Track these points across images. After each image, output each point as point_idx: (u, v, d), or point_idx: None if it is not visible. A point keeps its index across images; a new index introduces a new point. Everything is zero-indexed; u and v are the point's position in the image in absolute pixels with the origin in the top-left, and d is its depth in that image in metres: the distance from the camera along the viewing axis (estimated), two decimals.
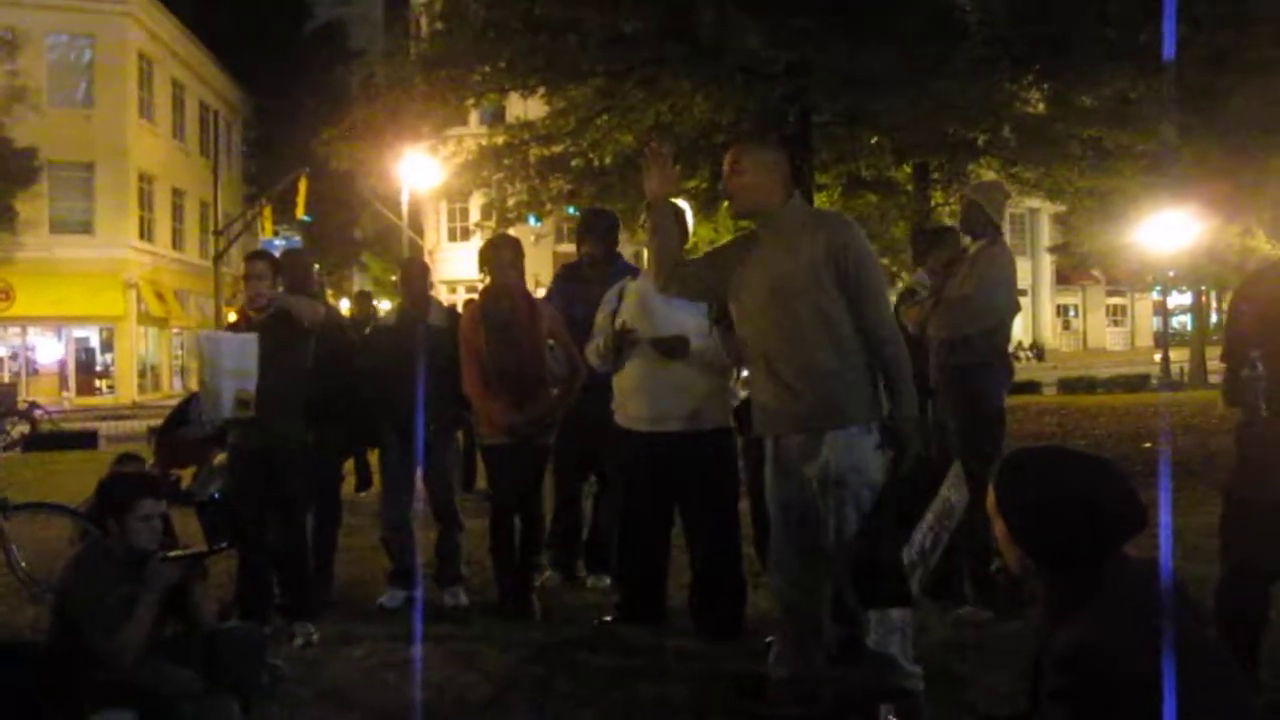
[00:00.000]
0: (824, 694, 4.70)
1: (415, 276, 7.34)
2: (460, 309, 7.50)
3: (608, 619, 6.16)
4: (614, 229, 7.32)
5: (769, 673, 4.83)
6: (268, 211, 40.86)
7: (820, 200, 16.26)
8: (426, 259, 44.21)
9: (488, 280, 6.69)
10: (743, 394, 6.19)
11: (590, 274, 7.01)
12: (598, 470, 7.25)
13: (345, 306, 47.86)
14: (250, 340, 6.14)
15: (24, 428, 21.92)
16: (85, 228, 38.09)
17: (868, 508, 4.37)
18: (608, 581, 6.98)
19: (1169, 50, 9.76)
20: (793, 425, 4.59)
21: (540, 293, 7.60)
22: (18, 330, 37.94)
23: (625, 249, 10.56)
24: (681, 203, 6.24)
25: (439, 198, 36.26)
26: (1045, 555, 2.56)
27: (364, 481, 7.52)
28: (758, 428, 4.81)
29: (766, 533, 5.71)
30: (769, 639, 5.64)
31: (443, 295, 37.15)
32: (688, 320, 5.71)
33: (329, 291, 46.26)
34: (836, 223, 4.74)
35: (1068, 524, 2.50)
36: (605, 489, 7.25)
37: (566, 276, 7.41)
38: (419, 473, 7.01)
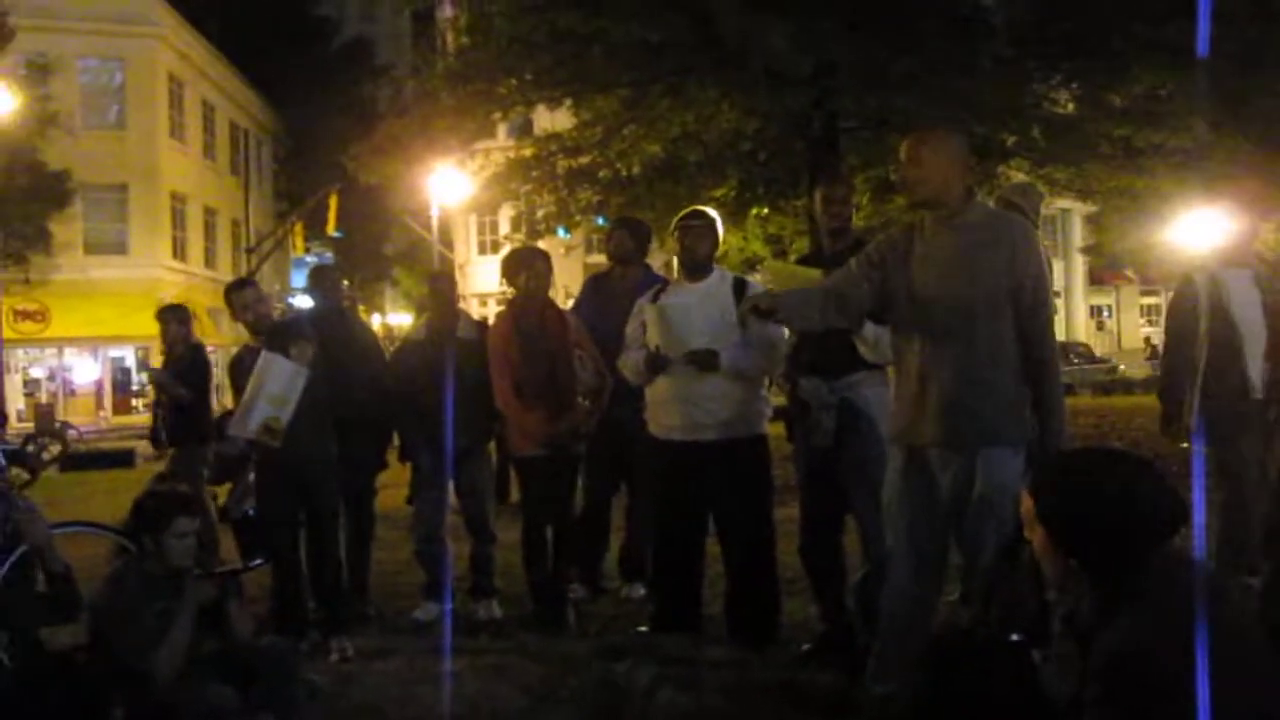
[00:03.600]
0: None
1: (443, 290, 7.35)
2: (491, 322, 7.52)
3: (642, 629, 6.14)
4: (648, 233, 7.38)
5: (866, 690, 4.63)
6: (299, 228, 41.17)
7: None
8: (457, 273, 44.39)
9: (514, 291, 6.69)
10: (775, 401, 6.18)
11: (618, 283, 7.04)
12: (627, 479, 7.25)
13: (377, 322, 48.18)
14: (301, 373, 6.15)
15: (56, 448, 22.08)
16: (119, 248, 38.38)
17: (1008, 532, 4.13)
18: (641, 591, 6.97)
19: (1203, 47, 9.66)
20: (939, 437, 4.37)
21: (568, 304, 7.61)
22: (54, 351, 38.27)
23: (655, 258, 10.60)
24: (711, 211, 6.23)
25: (468, 211, 36.26)
26: (1088, 557, 2.53)
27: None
28: (896, 435, 4.60)
29: (815, 538, 5.70)
30: (805, 646, 5.63)
31: (473, 308, 37.25)
32: (715, 332, 5.70)
33: (360, 307, 46.52)
34: (1022, 229, 4.53)
35: (1109, 522, 2.48)
36: (635, 498, 7.25)
37: (595, 288, 7.42)
38: (451, 486, 7.02)
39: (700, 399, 5.78)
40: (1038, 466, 2.69)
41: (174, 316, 8.95)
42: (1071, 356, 39.51)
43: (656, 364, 5.81)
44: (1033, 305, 4.33)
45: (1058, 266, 52.68)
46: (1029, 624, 3.18)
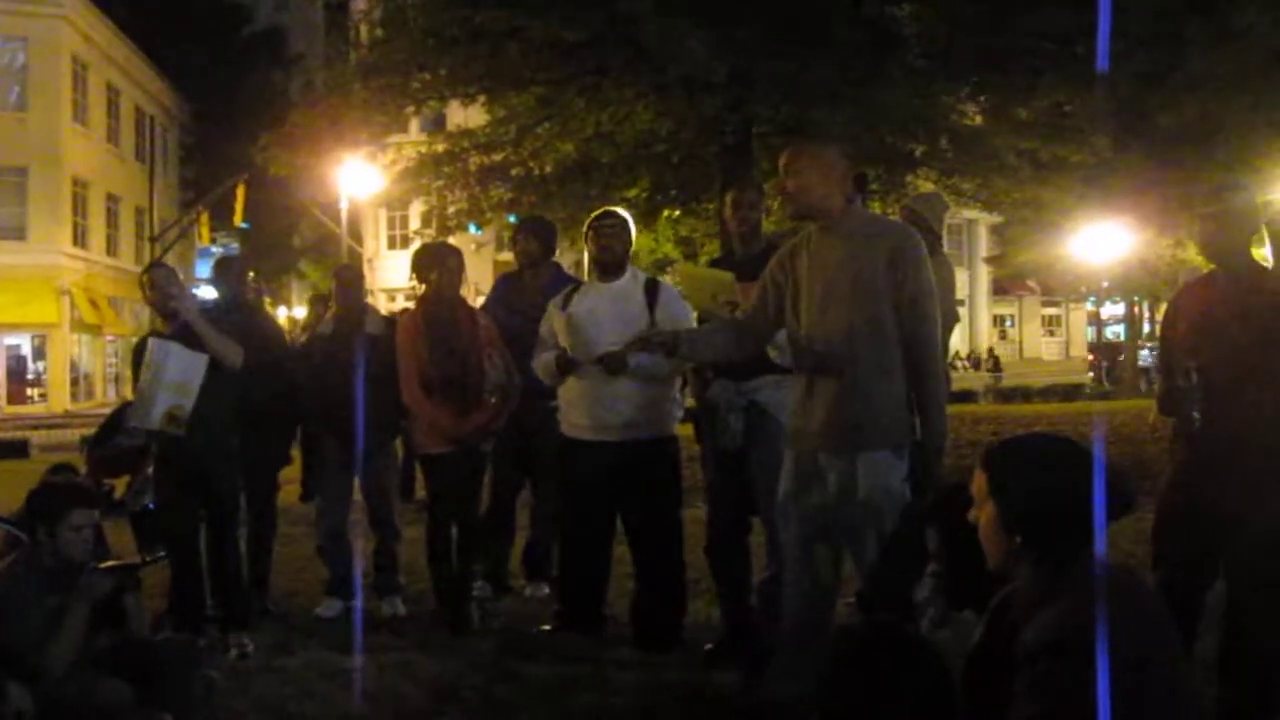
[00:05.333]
0: None
1: (350, 284, 7.28)
2: (399, 317, 7.46)
3: (546, 628, 6.15)
4: (553, 233, 7.37)
5: (765, 691, 4.68)
6: (205, 218, 40.42)
7: None
8: (365, 267, 43.93)
9: (426, 288, 6.65)
10: (689, 403, 6.22)
11: (529, 283, 7.03)
12: (532, 478, 7.24)
13: (283, 315, 47.58)
14: (200, 360, 6.04)
15: None
16: (17, 233, 37.42)
17: (889, 534, 4.23)
18: (545, 590, 6.97)
19: (1103, 62, 9.89)
20: (823, 441, 4.46)
21: (479, 302, 7.58)
22: None
23: (566, 257, 10.63)
24: (623, 212, 6.26)
25: (378, 205, 35.99)
26: (1038, 533, 2.58)
27: (310, 491, 7.50)
28: (787, 440, 4.70)
29: (721, 539, 5.74)
30: (709, 646, 5.67)
31: (381, 303, 36.95)
32: (625, 333, 5.72)
33: (266, 299, 45.85)
34: (902, 234, 4.59)
35: (1064, 498, 2.54)
36: (540, 497, 7.25)
37: (505, 287, 7.40)
38: (356, 482, 6.97)
39: (608, 400, 5.81)
40: (995, 447, 2.73)
41: None
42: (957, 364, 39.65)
43: (566, 366, 5.84)
44: (913, 311, 4.42)
45: (963, 276, 53.62)
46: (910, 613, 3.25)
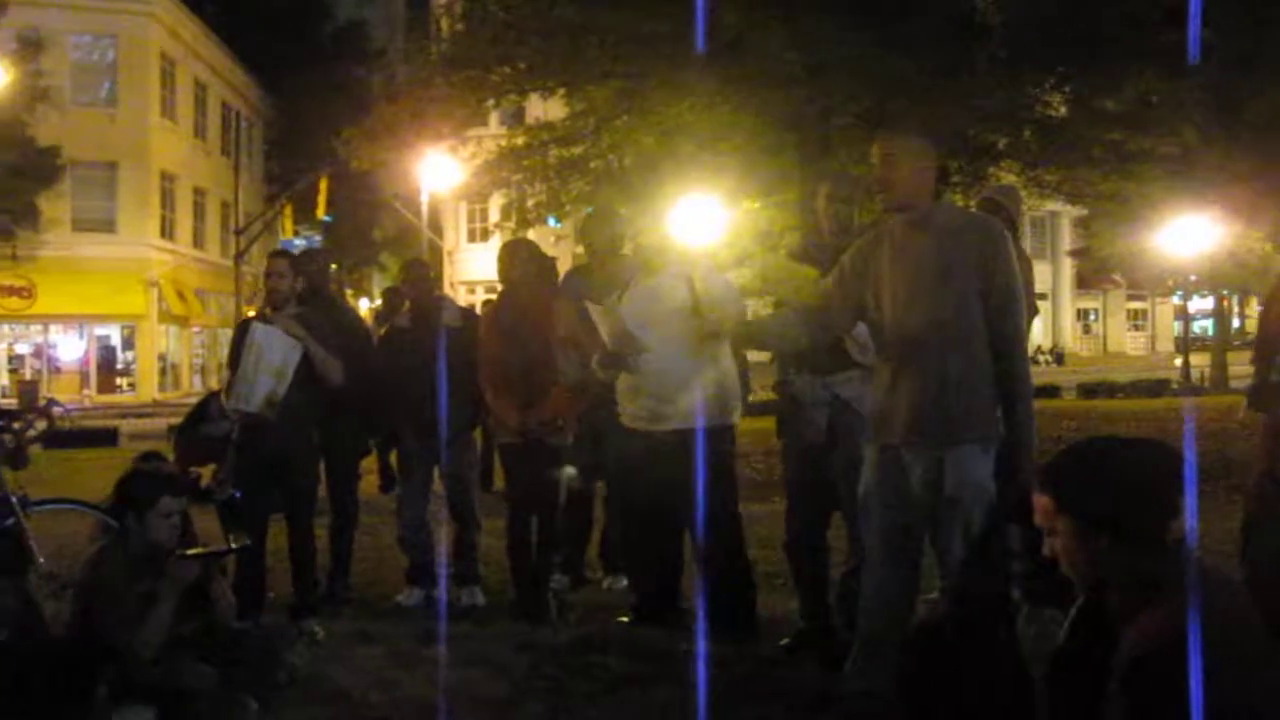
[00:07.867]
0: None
1: (417, 278, 7.34)
2: (479, 309, 7.53)
3: (623, 619, 6.15)
4: (622, 223, 7.37)
5: (843, 685, 4.65)
6: (288, 211, 41.06)
7: None
8: (445, 260, 44.25)
9: (504, 281, 6.75)
10: (765, 396, 6.18)
11: (598, 275, 7.03)
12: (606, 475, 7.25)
13: (365, 307, 48.13)
14: (298, 347, 6.22)
15: (42, 424, 21.92)
16: (108, 226, 38.23)
17: (976, 531, 4.21)
18: (623, 583, 6.97)
19: (1194, 53, 9.70)
20: (908, 435, 4.42)
21: None
22: (40, 328, 38.13)
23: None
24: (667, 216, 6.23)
25: (458, 198, 36.27)
26: (1125, 525, 2.54)
27: (388, 483, 7.59)
28: (871, 433, 4.65)
29: (801, 534, 5.70)
30: (784, 641, 5.64)
31: (461, 296, 37.18)
32: (665, 331, 5.72)
33: (348, 291, 46.43)
34: (992, 230, 4.53)
35: (1137, 481, 2.53)
36: (613, 489, 7.25)
37: (576, 278, 7.41)
38: (437, 472, 7.03)
39: (660, 389, 5.81)
40: (1057, 460, 2.68)
41: None
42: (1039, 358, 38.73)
43: (609, 362, 5.84)
44: (1001, 306, 4.37)
45: (1046, 269, 52.83)
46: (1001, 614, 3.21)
